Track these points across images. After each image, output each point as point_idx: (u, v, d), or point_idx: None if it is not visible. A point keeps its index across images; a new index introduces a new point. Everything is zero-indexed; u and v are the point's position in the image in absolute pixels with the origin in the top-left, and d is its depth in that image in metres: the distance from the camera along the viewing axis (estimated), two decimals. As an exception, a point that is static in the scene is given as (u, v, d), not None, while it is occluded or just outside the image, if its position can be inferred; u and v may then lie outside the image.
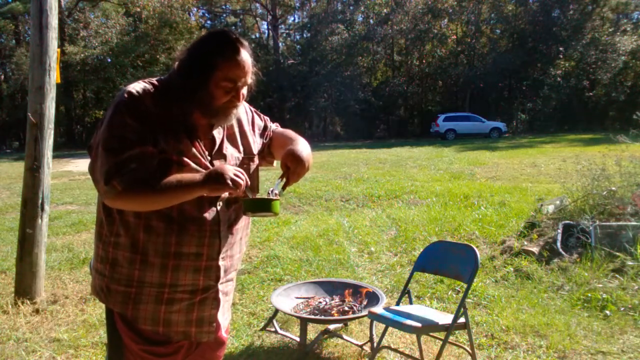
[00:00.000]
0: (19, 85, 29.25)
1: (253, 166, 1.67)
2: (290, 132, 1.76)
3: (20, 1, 28.97)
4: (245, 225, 1.67)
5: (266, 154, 1.77)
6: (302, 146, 1.59)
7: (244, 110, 1.67)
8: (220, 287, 1.60)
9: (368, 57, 32.94)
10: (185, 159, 1.44)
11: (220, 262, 1.56)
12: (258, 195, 1.63)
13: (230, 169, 1.41)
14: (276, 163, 1.85)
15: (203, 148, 1.50)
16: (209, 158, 1.50)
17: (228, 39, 1.43)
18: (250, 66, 1.46)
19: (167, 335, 1.54)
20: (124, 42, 27.40)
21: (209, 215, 1.50)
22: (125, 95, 1.41)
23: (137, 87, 1.44)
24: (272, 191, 1.54)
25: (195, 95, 1.43)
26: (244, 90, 1.49)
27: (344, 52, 31.41)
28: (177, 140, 1.44)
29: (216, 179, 1.38)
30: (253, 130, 1.71)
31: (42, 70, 3.73)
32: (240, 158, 1.61)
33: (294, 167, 1.54)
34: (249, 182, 1.45)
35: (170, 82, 1.49)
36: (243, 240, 1.68)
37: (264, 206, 1.50)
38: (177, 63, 1.49)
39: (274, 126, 1.82)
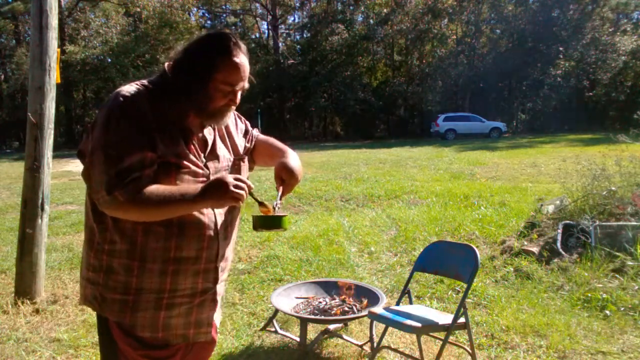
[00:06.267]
0: (19, 85, 29.27)
1: (244, 167, 1.67)
2: (275, 142, 1.78)
3: (20, 1, 28.96)
4: (236, 227, 1.67)
5: (248, 160, 1.77)
6: (293, 159, 1.62)
7: None
8: (217, 288, 1.60)
9: (368, 57, 32.93)
10: (184, 162, 1.42)
11: (219, 264, 1.56)
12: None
13: (230, 178, 1.37)
14: (258, 167, 1.87)
15: (198, 150, 1.49)
16: (203, 160, 1.50)
17: (229, 43, 1.41)
18: (247, 70, 1.45)
19: (166, 340, 1.52)
20: (124, 42, 27.40)
21: (208, 218, 1.49)
22: (120, 98, 1.38)
23: (129, 89, 1.41)
24: (276, 204, 1.57)
25: (192, 97, 1.41)
26: (239, 95, 1.48)
27: (344, 52, 31.39)
28: (174, 143, 1.42)
29: (217, 193, 1.35)
30: (237, 131, 1.71)
31: (42, 70, 3.72)
32: (232, 159, 1.61)
33: (288, 180, 1.58)
34: (252, 186, 1.43)
35: (164, 83, 1.46)
36: (234, 240, 1.69)
37: (275, 223, 1.56)
38: (172, 63, 1.46)
39: (255, 132, 1.81)
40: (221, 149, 1.57)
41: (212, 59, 1.39)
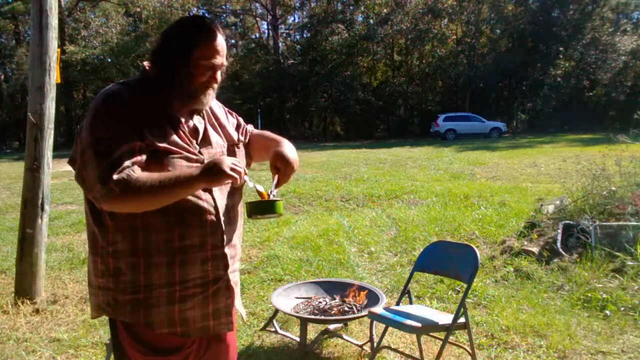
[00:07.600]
0: (19, 85, 29.20)
1: (240, 153, 1.68)
2: (270, 134, 1.79)
3: (20, 1, 28.94)
4: (240, 214, 1.67)
5: (245, 155, 1.78)
6: (288, 148, 1.64)
7: (218, 105, 1.70)
8: (230, 276, 1.58)
9: (368, 57, 32.90)
10: (174, 148, 1.44)
11: (226, 250, 1.55)
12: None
13: (228, 159, 1.42)
14: (258, 167, 1.88)
15: (189, 137, 1.51)
16: (197, 147, 1.51)
17: (204, 21, 1.49)
18: (225, 48, 1.50)
19: (185, 335, 1.50)
20: (124, 42, 27.40)
21: (207, 203, 1.49)
22: (103, 97, 1.42)
23: (112, 87, 1.47)
24: (271, 192, 1.57)
25: (174, 78, 1.45)
26: (219, 74, 1.52)
27: (344, 52, 31.37)
28: (162, 131, 1.44)
29: (214, 169, 1.39)
30: (228, 123, 1.73)
31: (42, 70, 3.73)
32: (225, 146, 1.62)
33: (284, 169, 1.59)
34: (246, 171, 1.46)
35: (145, 77, 1.51)
36: (241, 228, 1.69)
37: (268, 208, 1.55)
38: (151, 51, 1.51)
39: (250, 127, 1.83)
40: (213, 136, 1.59)
41: (190, 36, 1.45)
